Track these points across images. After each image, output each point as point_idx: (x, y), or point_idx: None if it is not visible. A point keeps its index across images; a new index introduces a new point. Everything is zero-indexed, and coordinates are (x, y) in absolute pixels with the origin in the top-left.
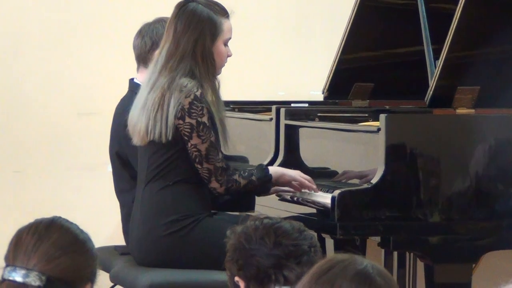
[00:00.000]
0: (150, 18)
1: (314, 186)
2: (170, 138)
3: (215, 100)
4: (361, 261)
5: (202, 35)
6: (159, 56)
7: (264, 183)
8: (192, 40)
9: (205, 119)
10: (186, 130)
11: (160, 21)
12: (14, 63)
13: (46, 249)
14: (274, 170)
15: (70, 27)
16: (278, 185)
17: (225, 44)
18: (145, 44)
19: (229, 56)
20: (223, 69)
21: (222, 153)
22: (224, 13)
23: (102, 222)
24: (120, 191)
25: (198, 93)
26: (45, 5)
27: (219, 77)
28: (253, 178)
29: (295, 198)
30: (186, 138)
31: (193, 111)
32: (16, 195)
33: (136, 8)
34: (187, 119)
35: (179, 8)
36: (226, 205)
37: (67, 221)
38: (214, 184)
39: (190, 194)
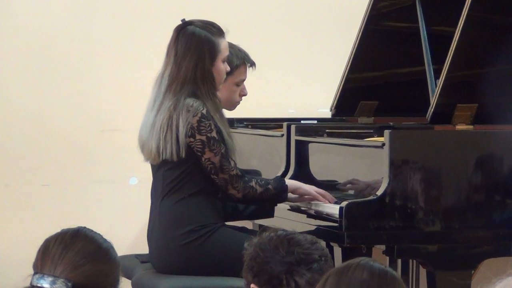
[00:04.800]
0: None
1: (329, 197)
2: (183, 156)
3: (218, 116)
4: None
5: (202, 58)
6: (161, 78)
7: (280, 193)
8: (193, 63)
9: (214, 134)
10: (198, 146)
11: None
12: (41, 84)
13: (71, 257)
14: (291, 182)
15: (94, 48)
16: (293, 198)
17: (223, 61)
18: None
19: (227, 71)
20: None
21: (234, 161)
22: (220, 33)
23: (124, 231)
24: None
25: (204, 111)
26: (69, 25)
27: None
28: (270, 187)
29: (306, 209)
30: (199, 153)
31: (202, 128)
32: (44, 207)
33: (157, 29)
34: (198, 136)
35: (178, 32)
36: (246, 214)
37: (92, 231)
38: (231, 191)
39: (204, 205)
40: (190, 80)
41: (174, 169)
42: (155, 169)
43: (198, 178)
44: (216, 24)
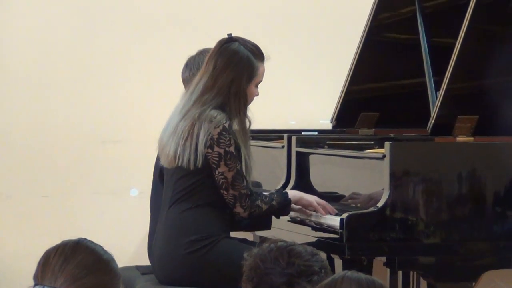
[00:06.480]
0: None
1: (330, 209)
2: (199, 165)
3: (242, 136)
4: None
5: (239, 76)
6: (195, 86)
7: (284, 207)
8: (230, 79)
9: (232, 149)
10: (215, 158)
11: (203, 52)
12: (42, 95)
13: (72, 269)
14: (293, 194)
15: (96, 60)
16: (296, 208)
17: (256, 86)
18: (193, 75)
19: (256, 96)
20: None
21: (247, 180)
22: (262, 58)
23: (125, 243)
24: (157, 207)
25: (226, 124)
26: (72, 35)
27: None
28: (274, 203)
29: (306, 221)
30: (214, 166)
31: (221, 141)
32: (44, 218)
33: (161, 40)
34: (216, 148)
35: (222, 45)
36: (243, 225)
37: (92, 242)
38: (238, 209)
39: (211, 216)
40: (223, 94)
41: (187, 178)
42: (168, 176)
43: (209, 190)
44: (260, 48)
